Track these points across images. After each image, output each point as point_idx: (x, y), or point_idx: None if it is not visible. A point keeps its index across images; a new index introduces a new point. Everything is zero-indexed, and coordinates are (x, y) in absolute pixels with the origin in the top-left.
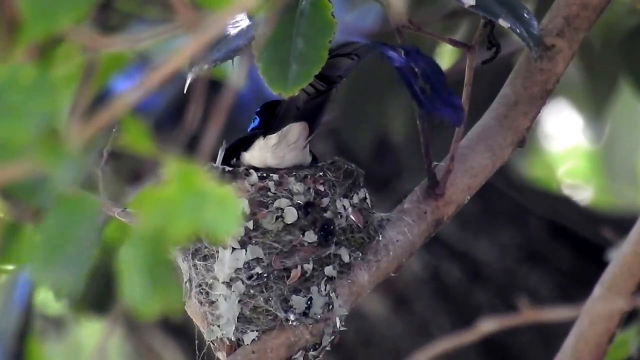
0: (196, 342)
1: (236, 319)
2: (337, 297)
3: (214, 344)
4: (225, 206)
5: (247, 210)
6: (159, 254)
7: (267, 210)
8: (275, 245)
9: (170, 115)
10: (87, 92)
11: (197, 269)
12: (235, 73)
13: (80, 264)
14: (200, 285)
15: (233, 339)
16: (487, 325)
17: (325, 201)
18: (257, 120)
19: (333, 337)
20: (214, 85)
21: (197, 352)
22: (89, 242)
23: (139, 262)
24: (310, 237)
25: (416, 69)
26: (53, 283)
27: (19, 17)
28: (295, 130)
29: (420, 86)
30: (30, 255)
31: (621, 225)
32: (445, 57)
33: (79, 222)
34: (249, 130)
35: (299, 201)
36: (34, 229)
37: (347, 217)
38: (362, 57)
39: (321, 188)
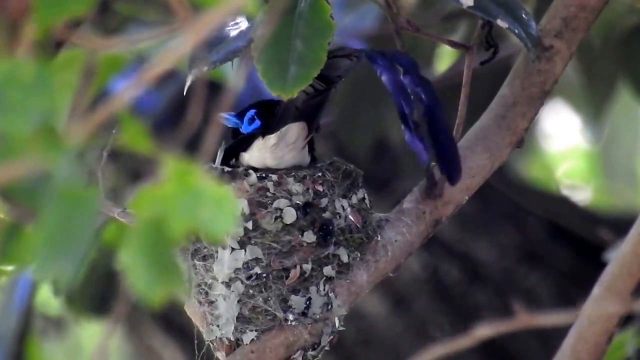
0: (195, 342)
1: (235, 319)
2: (335, 297)
3: (213, 344)
4: (222, 205)
5: (247, 211)
6: (161, 242)
7: (266, 211)
8: (274, 245)
9: (170, 117)
10: (87, 92)
11: (196, 269)
12: (234, 74)
13: (79, 256)
14: (199, 285)
15: (232, 338)
16: (483, 330)
17: (324, 201)
18: (257, 122)
19: (332, 336)
20: (214, 87)
21: (196, 352)
22: (88, 235)
23: (142, 251)
24: (309, 237)
25: (411, 95)
26: (52, 276)
27: (30, 5)
28: (294, 130)
29: (414, 120)
30: (30, 251)
31: (620, 225)
32: (444, 58)
33: (79, 214)
34: (247, 131)
35: (297, 201)
36: (34, 225)
37: (346, 217)
38: (361, 58)
39: (320, 188)
